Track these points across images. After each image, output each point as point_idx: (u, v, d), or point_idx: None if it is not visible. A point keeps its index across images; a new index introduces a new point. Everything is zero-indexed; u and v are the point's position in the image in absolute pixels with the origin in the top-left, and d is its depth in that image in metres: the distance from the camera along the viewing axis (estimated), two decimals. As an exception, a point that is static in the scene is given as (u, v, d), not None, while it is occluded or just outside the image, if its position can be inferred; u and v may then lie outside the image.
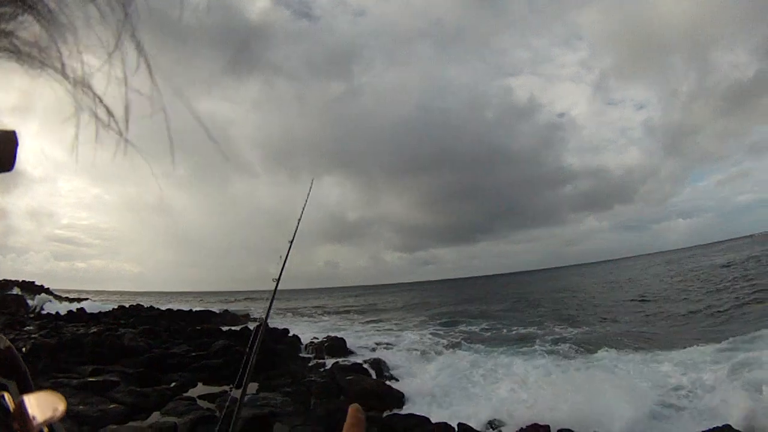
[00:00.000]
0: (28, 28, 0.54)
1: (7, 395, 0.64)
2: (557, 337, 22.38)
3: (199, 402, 12.10)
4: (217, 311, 43.21)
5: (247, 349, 5.11)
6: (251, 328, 25.95)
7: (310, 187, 7.15)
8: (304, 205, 6.92)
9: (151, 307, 44.07)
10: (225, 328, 27.56)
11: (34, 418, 0.64)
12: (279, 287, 5.94)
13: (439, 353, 20.41)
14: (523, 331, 26.03)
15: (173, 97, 0.57)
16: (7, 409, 0.63)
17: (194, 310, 43.17)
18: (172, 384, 14.11)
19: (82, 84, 0.55)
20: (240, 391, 4.34)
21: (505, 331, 26.62)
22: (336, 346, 21.81)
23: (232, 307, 51.90)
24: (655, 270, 74.06)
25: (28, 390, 0.70)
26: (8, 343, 0.76)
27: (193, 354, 17.98)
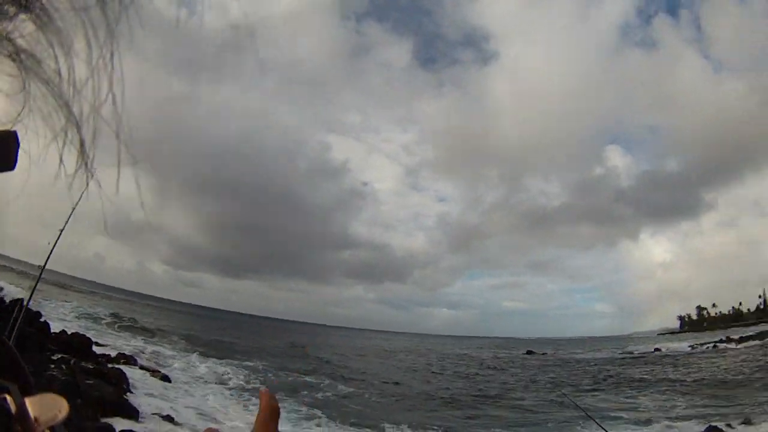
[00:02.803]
0: (25, 31, 0.55)
1: (8, 397, 0.63)
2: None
3: None
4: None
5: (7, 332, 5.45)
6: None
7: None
8: (78, 200, 7.69)
9: None
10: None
11: (35, 420, 0.64)
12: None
13: (188, 382, 20.97)
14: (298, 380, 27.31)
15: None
16: (8, 411, 0.61)
17: None
18: None
19: (74, 92, 0.57)
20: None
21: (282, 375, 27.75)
22: (83, 344, 20.87)
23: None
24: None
25: (30, 392, 0.70)
26: (9, 345, 0.76)
27: None
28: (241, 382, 23.76)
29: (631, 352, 73.63)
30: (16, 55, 0.55)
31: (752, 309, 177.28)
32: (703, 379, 33.24)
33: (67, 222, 7.33)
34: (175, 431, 13.54)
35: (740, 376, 32.14)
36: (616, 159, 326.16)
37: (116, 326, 37.33)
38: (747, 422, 18.99)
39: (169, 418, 14.54)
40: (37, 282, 7.02)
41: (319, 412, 19.17)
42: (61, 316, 29.51)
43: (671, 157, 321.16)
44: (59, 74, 0.56)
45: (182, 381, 20.88)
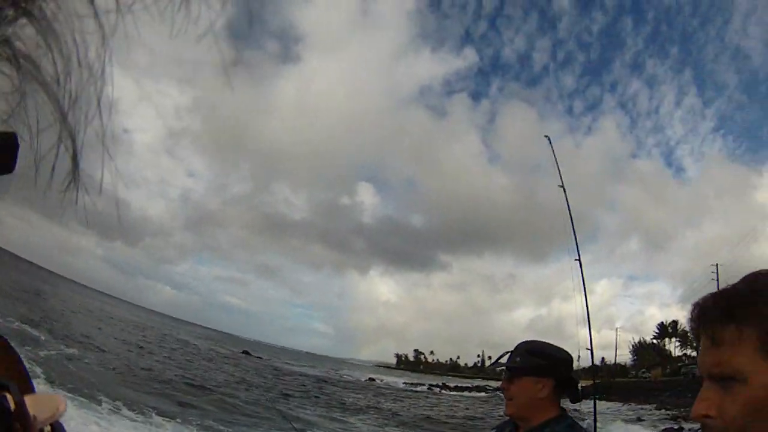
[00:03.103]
0: (24, 35, 0.55)
1: (8, 395, 0.63)
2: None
3: None
4: None
5: None
6: None
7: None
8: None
9: None
10: None
11: (35, 418, 0.65)
12: None
13: None
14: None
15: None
16: (8, 409, 0.62)
17: None
18: None
19: (71, 101, 0.57)
20: None
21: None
22: None
23: None
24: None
25: (29, 390, 0.71)
26: (8, 344, 0.76)
27: None
28: None
29: (345, 376, 76.97)
30: (14, 58, 0.55)
31: (470, 364, 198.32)
32: (422, 414, 35.80)
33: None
34: None
35: (453, 420, 34.73)
36: (366, 196, 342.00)
37: None
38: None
39: None
40: None
41: (39, 371, 17.64)
42: None
43: (419, 213, 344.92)
44: (57, 81, 0.56)
45: None
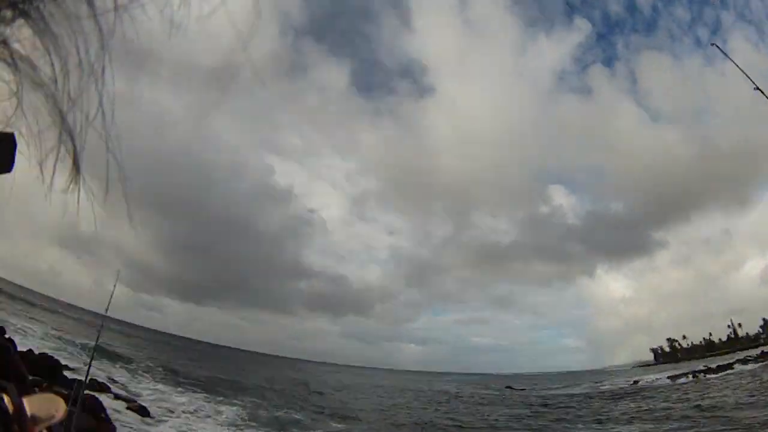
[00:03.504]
0: (22, 36, 0.53)
1: (6, 397, 0.62)
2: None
3: None
4: None
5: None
6: None
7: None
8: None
9: None
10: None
11: (33, 419, 0.63)
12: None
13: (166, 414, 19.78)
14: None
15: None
16: (5, 410, 0.61)
17: None
18: None
19: (70, 103, 0.55)
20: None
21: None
22: (52, 367, 19.34)
23: None
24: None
25: (28, 392, 0.69)
26: (7, 345, 0.57)
27: None
28: (228, 417, 22.43)
29: (605, 386, 73.10)
30: (12, 59, 0.55)
31: (723, 339, 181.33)
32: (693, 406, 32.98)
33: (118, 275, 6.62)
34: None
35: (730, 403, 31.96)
36: (561, 198, 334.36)
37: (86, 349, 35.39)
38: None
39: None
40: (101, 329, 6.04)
41: None
42: (28, 333, 27.90)
43: (615, 199, 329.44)
44: (55, 82, 0.56)
45: (161, 414, 19.51)
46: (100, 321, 6.34)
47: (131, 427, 15.48)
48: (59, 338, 35.58)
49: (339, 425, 26.15)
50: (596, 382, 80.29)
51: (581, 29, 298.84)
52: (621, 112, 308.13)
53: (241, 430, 20.50)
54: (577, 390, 68.98)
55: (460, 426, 30.58)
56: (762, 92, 6.82)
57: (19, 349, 18.98)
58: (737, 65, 7.52)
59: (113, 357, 36.40)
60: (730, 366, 70.33)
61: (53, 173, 0.57)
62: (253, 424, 22.39)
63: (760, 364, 63.18)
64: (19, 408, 0.63)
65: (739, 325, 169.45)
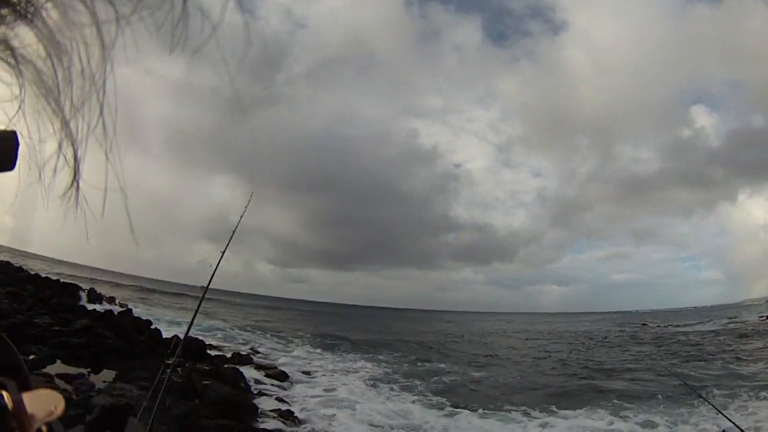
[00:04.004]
0: (25, 40, 0.54)
1: (5, 394, 0.63)
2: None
3: (57, 381, 11.86)
4: (84, 288, 39.80)
5: (167, 360, 5.61)
6: (115, 312, 25.63)
7: (249, 201, 7.84)
8: (241, 217, 7.50)
9: (20, 267, 39.95)
10: (90, 307, 26.61)
11: (32, 416, 0.64)
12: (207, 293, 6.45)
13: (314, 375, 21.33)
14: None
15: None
16: (5, 407, 0.62)
17: (62, 281, 39.28)
18: (31, 357, 13.70)
19: (73, 109, 0.57)
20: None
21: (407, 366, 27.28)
22: (195, 347, 20.42)
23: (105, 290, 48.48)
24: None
25: (27, 388, 0.71)
26: (6, 341, 0.77)
27: (55, 328, 17.30)
28: (369, 372, 23.70)
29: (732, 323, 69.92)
30: (14, 61, 0.55)
31: None
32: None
33: (228, 244, 7.50)
34: (297, 431, 13.41)
35: None
36: (703, 119, 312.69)
37: (235, 326, 38.69)
38: None
39: (288, 413, 14.38)
40: (199, 304, 7.11)
41: (444, 399, 19.06)
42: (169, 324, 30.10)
43: (758, 112, 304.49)
44: (58, 89, 0.56)
45: (301, 377, 20.92)
46: (205, 294, 7.33)
47: (270, 394, 16.69)
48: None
49: (479, 373, 26.66)
50: (728, 319, 76.84)
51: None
52: (752, 13, 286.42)
53: (384, 382, 21.22)
54: (707, 327, 66.70)
55: (599, 362, 31.05)
56: None
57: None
58: None
59: (259, 329, 39.22)
60: None
61: (53, 178, 0.59)
62: (395, 376, 23.12)
63: None
64: (19, 405, 0.63)
65: None
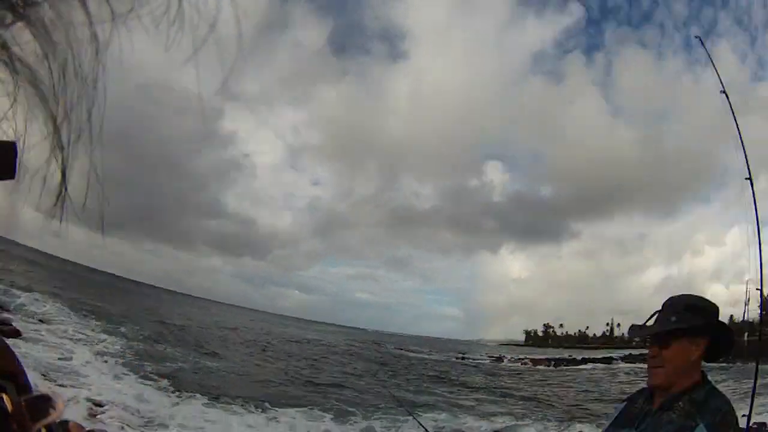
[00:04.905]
0: (22, 40, 0.53)
1: (5, 396, 0.60)
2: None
3: None
4: None
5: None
6: None
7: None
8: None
9: None
10: None
11: (32, 418, 0.62)
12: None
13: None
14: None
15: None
16: (5, 410, 0.59)
17: None
18: None
19: (65, 112, 0.55)
20: None
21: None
22: None
23: None
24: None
25: (27, 391, 0.68)
26: (5, 343, 0.72)
27: None
28: (105, 345, 23.31)
29: (468, 357, 76.05)
30: (10, 61, 0.54)
31: (598, 335, 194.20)
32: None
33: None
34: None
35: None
36: (495, 175, 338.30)
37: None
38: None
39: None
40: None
41: (166, 383, 19.28)
42: None
43: (548, 184, 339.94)
44: (54, 90, 0.55)
45: (35, 336, 20.09)
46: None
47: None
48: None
49: (211, 363, 27.58)
50: (461, 353, 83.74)
51: (573, 13, 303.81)
52: (584, 102, 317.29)
53: (117, 357, 21.22)
54: (437, 356, 72.33)
55: (312, 365, 33.42)
56: (727, 96, 6.51)
57: None
58: (711, 60, 7.20)
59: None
60: (585, 361, 72.85)
61: (44, 184, 0.57)
62: (128, 353, 22.97)
63: (618, 365, 66.06)
64: (18, 408, 0.61)
65: (618, 325, 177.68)
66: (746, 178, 5.84)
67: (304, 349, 50.95)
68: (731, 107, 6.48)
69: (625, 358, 69.63)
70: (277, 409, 18.58)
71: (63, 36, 0.53)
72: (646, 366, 2.31)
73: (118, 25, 0.53)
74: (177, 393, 18.12)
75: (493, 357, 78.03)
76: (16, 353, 0.73)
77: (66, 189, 0.59)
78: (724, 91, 6.55)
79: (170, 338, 33.79)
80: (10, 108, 0.56)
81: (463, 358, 73.14)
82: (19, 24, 0.52)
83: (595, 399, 31.16)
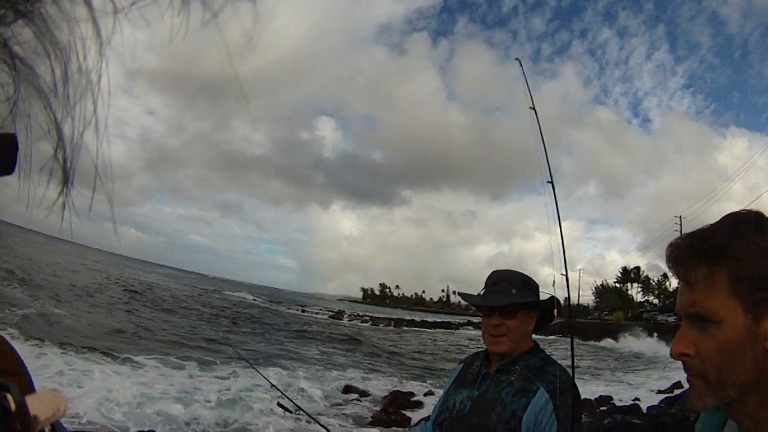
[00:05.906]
0: (22, 38, 0.52)
1: (9, 396, 0.60)
2: None
3: None
4: None
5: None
6: None
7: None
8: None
9: None
10: None
11: (35, 418, 0.62)
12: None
13: None
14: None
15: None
16: (8, 409, 0.59)
17: None
18: None
19: (66, 111, 0.55)
20: None
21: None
22: None
23: None
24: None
25: (30, 390, 0.70)
26: (8, 342, 0.74)
27: None
28: None
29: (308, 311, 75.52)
30: (11, 60, 0.54)
31: (434, 299, 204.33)
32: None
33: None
34: None
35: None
36: (327, 131, 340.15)
37: None
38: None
39: None
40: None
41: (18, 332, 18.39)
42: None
43: (380, 149, 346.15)
44: (55, 88, 0.55)
45: None
46: None
47: None
48: None
49: (60, 310, 24.96)
50: (301, 306, 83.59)
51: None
52: (422, 80, 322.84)
53: None
54: (277, 308, 72.31)
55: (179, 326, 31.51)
56: (535, 112, 7.89)
57: None
58: (526, 80, 8.10)
59: None
60: (427, 324, 71.86)
61: (48, 181, 0.58)
62: None
63: (466, 331, 67.49)
64: (22, 407, 0.60)
65: (454, 292, 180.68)
66: (548, 182, 6.96)
67: (157, 296, 49.40)
68: (538, 121, 8.03)
69: (468, 325, 72.49)
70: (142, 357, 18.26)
71: (65, 32, 0.53)
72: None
73: (120, 19, 0.53)
74: (31, 341, 17.57)
75: (332, 312, 76.83)
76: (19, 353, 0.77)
77: (69, 185, 0.61)
78: (533, 108, 7.65)
79: (18, 284, 31.36)
80: (10, 109, 0.56)
81: (303, 311, 73.75)
82: (20, 21, 0.52)
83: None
